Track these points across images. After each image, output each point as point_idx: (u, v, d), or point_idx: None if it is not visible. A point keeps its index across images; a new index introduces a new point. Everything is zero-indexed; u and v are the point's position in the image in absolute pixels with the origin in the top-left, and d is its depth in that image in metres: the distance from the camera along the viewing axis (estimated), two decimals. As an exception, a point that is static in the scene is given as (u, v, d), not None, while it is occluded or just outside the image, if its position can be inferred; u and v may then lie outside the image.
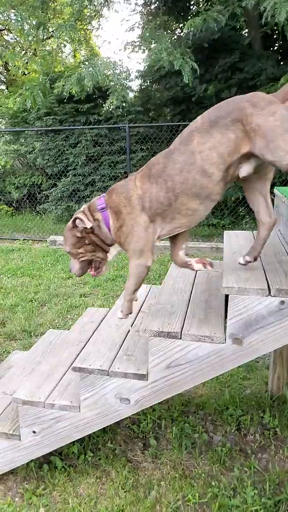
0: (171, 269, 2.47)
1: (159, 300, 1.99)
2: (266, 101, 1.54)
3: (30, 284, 5.28)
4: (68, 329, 3.24)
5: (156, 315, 1.81)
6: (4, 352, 3.58)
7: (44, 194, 9.32)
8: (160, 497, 2.05)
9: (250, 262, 1.74)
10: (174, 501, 2.02)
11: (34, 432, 1.95)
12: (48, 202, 9.14)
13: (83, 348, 2.42)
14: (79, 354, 2.35)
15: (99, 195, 1.88)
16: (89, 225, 1.74)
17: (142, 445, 2.43)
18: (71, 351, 2.38)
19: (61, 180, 8.74)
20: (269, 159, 1.52)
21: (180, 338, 1.64)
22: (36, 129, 8.78)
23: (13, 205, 9.93)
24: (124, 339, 2.07)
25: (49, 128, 8.40)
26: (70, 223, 1.82)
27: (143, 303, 2.52)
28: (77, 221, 1.77)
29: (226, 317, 1.75)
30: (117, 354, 1.92)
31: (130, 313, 1.85)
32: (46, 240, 7.53)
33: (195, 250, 6.34)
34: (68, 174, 8.71)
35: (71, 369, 1.85)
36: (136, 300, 1.87)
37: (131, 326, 2.21)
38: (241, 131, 1.55)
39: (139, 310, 2.41)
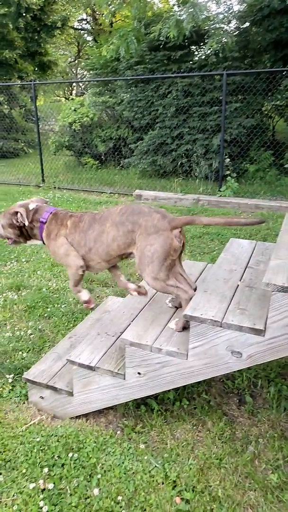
0: (286, 224, 2.29)
1: (278, 255, 1.85)
2: (153, 230, 1.97)
3: (118, 235, 5.38)
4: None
5: (277, 270, 1.68)
6: (97, 297, 3.72)
7: (129, 148, 9.27)
8: (258, 453, 2.02)
9: None
10: (274, 460, 1.98)
11: (139, 373, 2.00)
12: (133, 156, 9.09)
13: (184, 298, 2.40)
14: (181, 304, 2.33)
15: (49, 207, 2.41)
16: (26, 222, 2.29)
17: (237, 400, 2.41)
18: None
19: (148, 133, 8.57)
20: (139, 272, 2.09)
21: (309, 295, 1.51)
22: (126, 78, 8.58)
23: (102, 157, 10.04)
24: (234, 293, 1.98)
25: (140, 77, 8.16)
26: (12, 210, 2.33)
27: (250, 258, 2.39)
28: (18, 214, 2.30)
29: None
30: (228, 306, 1.84)
31: (85, 301, 2.40)
32: (132, 194, 7.56)
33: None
34: (155, 126, 8.50)
35: (183, 316, 1.81)
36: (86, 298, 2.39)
37: (240, 280, 2.11)
38: (132, 239, 2.06)
39: (247, 265, 2.29)
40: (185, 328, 2.01)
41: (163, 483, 1.87)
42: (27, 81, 13.99)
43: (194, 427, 2.20)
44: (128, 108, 8.86)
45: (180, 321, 2.05)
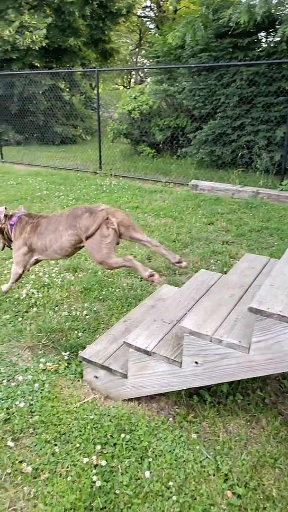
0: None
1: None
2: (85, 229, 2.46)
3: (172, 225, 5.35)
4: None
5: None
6: (150, 284, 3.73)
7: (187, 137, 9.13)
8: (315, 458, 1.94)
9: None
10: None
11: (196, 362, 1.98)
12: (191, 145, 8.95)
13: (246, 291, 2.34)
14: (242, 296, 2.28)
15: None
16: (2, 218, 2.90)
17: (293, 401, 2.32)
18: (233, 293, 2.32)
19: (208, 122, 8.39)
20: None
21: None
22: (191, 66, 8.41)
23: (159, 146, 9.99)
24: (303, 289, 1.89)
25: (205, 65, 7.96)
26: None
27: None
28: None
29: None
30: (296, 302, 1.76)
31: (12, 287, 3.08)
32: (188, 184, 7.47)
33: None
34: (216, 116, 8.30)
35: (247, 309, 1.76)
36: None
37: (309, 277, 2.01)
38: (79, 237, 2.54)
39: (316, 262, 2.18)
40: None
41: (214, 475, 1.85)
42: (89, 68, 14.21)
43: (248, 423, 2.15)
44: (189, 97, 8.71)
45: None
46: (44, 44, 12.85)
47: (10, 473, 1.86)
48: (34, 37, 12.39)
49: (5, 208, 2.95)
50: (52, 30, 13.62)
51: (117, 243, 2.55)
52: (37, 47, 12.64)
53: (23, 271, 2.90)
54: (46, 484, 1.81)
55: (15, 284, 3.05)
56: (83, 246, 2.62)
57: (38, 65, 13.25)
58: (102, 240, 2.42)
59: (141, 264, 2.47)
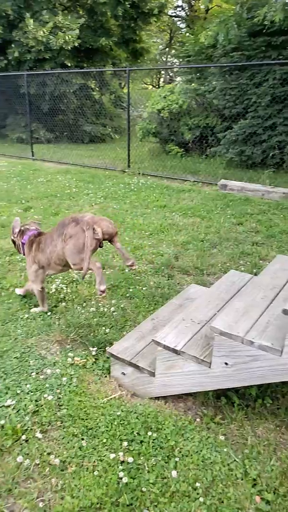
0: None
1: None
2: (68, 236, 2.67)
3: (200, 225, 5.30)
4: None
5: None
6: (177, 284, 3.71)
7: (216, 136, 9.04)
8: None
9: None
10: None
11: (226, 363, 1.95)
12: (220, 145, 8.86)
13: (278, 293, 2.29)
14: (275, 298, 2.23)
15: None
16: (15, 232, 3.14)
17: None
18: (265, 294, 2.27)
19: (238, 122, 8.28)
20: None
21: None
22: (223, 65, 8.32)
23: (188, 145, 9.94)
24: None
25: (237, 64, 7.84)
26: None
27: None
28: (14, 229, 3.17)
29: None
30: None
31: (44, 310, 3.15)
32: (216, 184, 7.40)
33: None
34: (247, 116, 8.17)
35: (282, 311, 1.72)
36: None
37: None
38: None
39: None
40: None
41: (242, 479, 1.81)
42: (120, 68, 14.30)
43: (277, 428, 2.10)
44: (220, 96, 8.62)
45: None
46: (76, 44, 13.01)
47: (38, 464, 1.88)
48: (67, 38, 12.57)
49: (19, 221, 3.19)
50: (85, 30, 13.78)
51: (101, 246, 2.77)
52: (69, 47, 12.82)
53: (42, 287, 3.05)
54: (73, 477, 1.82)
55: (46, 304, 3.16)
56: None
57: (70, 64, 13.44)
58: (88, 246, 2.61)
59: (102, 275, 2.63)
